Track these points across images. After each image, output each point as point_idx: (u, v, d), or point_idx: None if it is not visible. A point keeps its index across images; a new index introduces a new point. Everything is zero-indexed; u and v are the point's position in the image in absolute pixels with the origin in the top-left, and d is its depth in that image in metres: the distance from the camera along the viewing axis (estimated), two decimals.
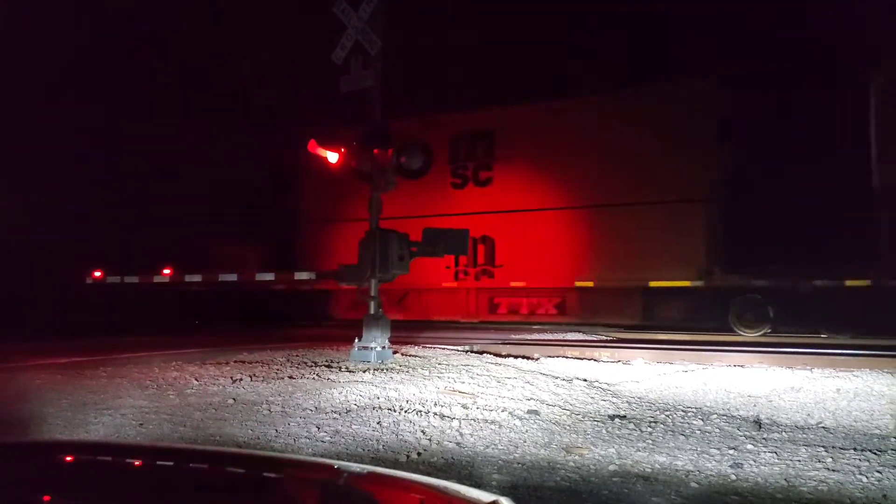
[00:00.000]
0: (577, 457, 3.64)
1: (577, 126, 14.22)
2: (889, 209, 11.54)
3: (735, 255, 12.68)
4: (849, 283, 11.48)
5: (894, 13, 13.04)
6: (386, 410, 4.54)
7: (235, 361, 7.11)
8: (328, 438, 4.00)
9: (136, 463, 1.73)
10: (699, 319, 12.73)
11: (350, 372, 6.08)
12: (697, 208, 12.79)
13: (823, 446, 3.83)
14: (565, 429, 4.25)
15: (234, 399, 5.09)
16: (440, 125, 15.34)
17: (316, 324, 15.32)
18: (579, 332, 12.79)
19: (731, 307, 12.55)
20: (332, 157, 7.31)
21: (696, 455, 3.66)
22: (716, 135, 12.84)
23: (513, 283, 14.37)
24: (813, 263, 11.73)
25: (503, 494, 1.29)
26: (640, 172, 13.47)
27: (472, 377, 5.70)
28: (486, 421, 4.31)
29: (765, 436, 4.11)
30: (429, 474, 3.08)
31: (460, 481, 1.51)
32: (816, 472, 3.34)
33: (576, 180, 14.08)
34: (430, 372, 6.00)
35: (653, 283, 13.00)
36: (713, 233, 12.80)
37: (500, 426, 4.21)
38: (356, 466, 1.91)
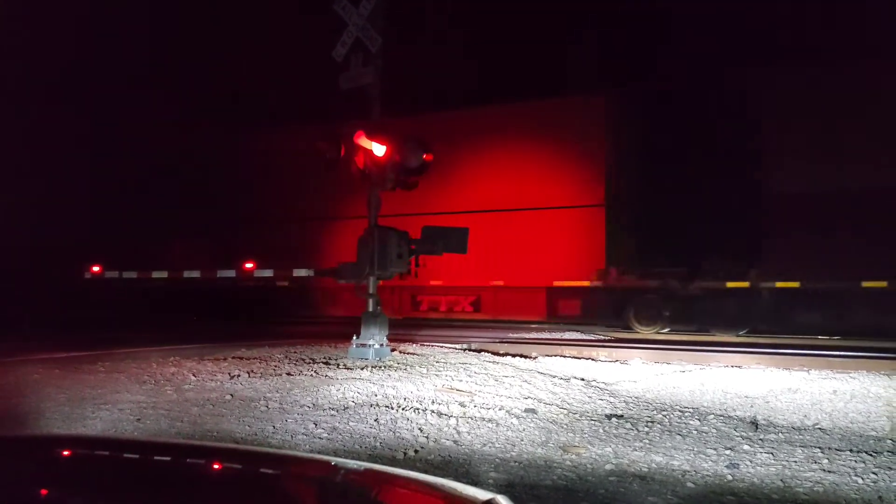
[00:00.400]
0: (573, 456, 3.65)
1: (489, 133, 14.82)
2: (769, 214, 12.37)
3: (631, 257, 13.62)
4: (730, 284, 12.31)
5: (782, 24, 13.99)
6: (383, 408, 4.54)
7: (233, 357, 7.11)
8: (326, 435, 4.01)
9: (134, 458, 1.73)
10: (599, 317, 13.57)
11: (348, 369, 6.08)
12: (597, 213, 13.63)
13: (820, 447, 3.84)
14: (562, 428, 4.26)
15: (231, 395, 5.09)
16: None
17: (314, 320, 15.34)
18: (578, 331, 12.83)
19: (628, 306, 13.23)
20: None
21: (692, 455, 3.66)
22: (608, 144, 13.78)
23: (432, 282, 14.90)
24: (700, 266, 12.64)
25: (500, 492, 1.29)
26: (545, 179, 14.29)
27: (469, 375, 5.70)
28: (484, 419, 4.32)
29: (761, 436, 4.12)
30: (426, 472, 3.08)
31: (457, 479, 1.52)
32: (812, 474, 3.35)
33: (489, 185, 14.74)
34: (427, 370, 6.01)
35: (556, 283, 13.85)
36: (612, 236, 13.64)
37: (498, 424, 4.22)
38: (353, 463, 1.91)
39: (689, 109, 13.20)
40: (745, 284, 12.23)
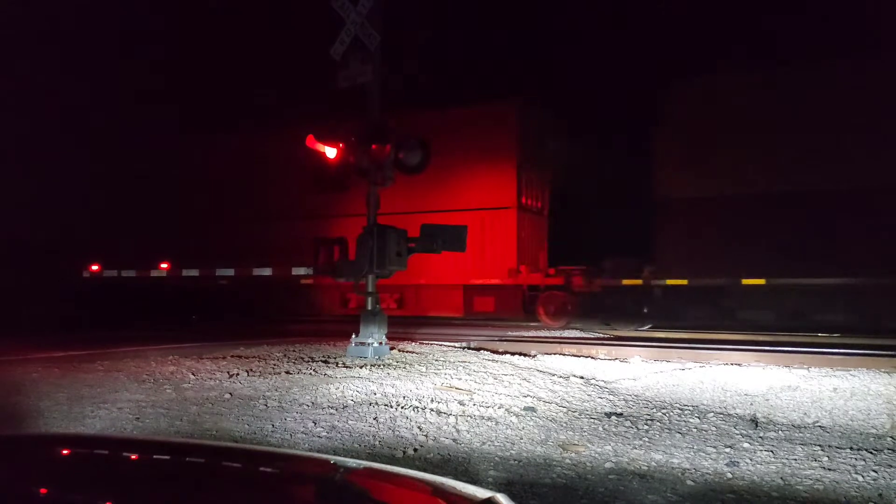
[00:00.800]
0: (573, 454, 3.64)
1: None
2: (662, 217, 13.66)
3: (541, 256, 15.02)
4: (625, 282, 13.53)
5: (683, 42, 16.15)
6: (383, 406, 4.54)
7: (232, 356, 7.10)
8: (325, 434, 4.00)
9: (133, 457, 1.73)
10: (511, 312, 14.61)
11: (347, 367, 6.08)
12: (510, 215, 14.58)
13: (820, 445, 3.83)
14: (562, 426, 4.25)
15: (230, 394, 5.08)
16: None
17: (312, 319, 15.42)
18: (577, 329, 12.86)
19: (536, 301, 14.31)
20: (331, 152, 7.21)
21: (692, 453, 3.66)
22: (520, 150, 14.75)
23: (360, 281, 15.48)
24: (600, 265, 14.00)
25: (499, 491, 1.29)
26: (464, 182, 15.00)
27: (468, 374, 5.70)
28: (483, 418, 4.32)
29: (761, 434, 4.11)
30: (425, 470, 3.08)
31: (457, 477, 1.51)
32: (812, 471, 3.35)
33: (412, 188, 15.05)
34: (426, 368, 6.00)
35: (472, 281, 14.84)
36: (521, 237, 14.72)
37: (497, 423, 4.21)
38: (353, 462, 1.91)
39: (592, 118, 15.19)
40: (639, 282, 13.42)
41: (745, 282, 12.57)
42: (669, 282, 13.18)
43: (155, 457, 1.72)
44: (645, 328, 13.19)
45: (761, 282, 12.49)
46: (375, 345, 6.75)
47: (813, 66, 12.88)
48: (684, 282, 13.04)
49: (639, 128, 14.41)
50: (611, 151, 14.75)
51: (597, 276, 13.83)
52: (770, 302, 12.75)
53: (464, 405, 4.61)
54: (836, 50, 13.69)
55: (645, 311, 13.58)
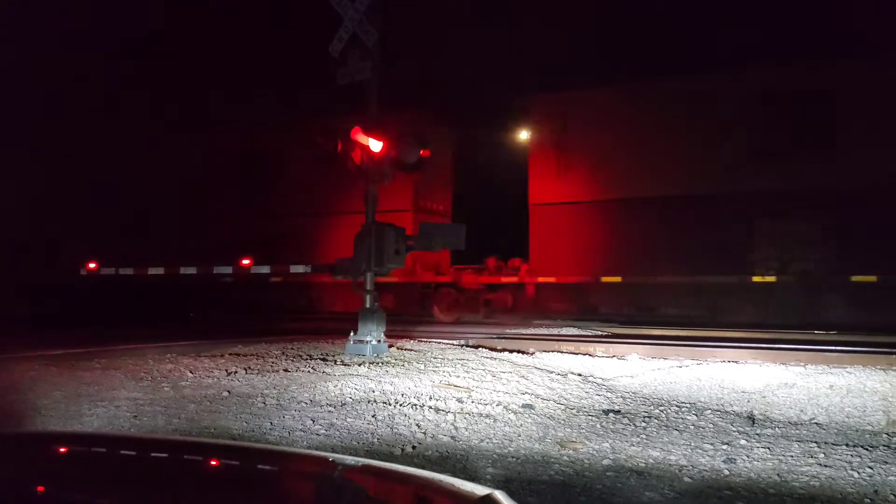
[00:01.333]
0: (571, 451, 3.65)
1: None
2: (534, 221, 15.19)
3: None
4: (503, 279, 15.17)
5: (546, 68, 17.42)
6: (381, 404, 4.54)
7: (230, 354, 7.10)
8: (323, 431, 4.01)
9: (131, 455, 1.73)
10: (408, 308, 15.67)
11: (345, 365, 6.08)
12: (407, 217, 15.43)
13: (816, 442, 3.85)
14: (560, 423, 4.26)
15: (228, 391, 5.08)
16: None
17: (311, 316, 15.47)
18: (574, 327, 12.88)
19: (430, 298, 15.54)
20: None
21: (689, 450, 3.67)
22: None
23: (273, 280, 16.61)
24: (485, 263, 15.38)
25: (497, 488, 1.29)
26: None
27: (467, 371, 5.71)
28: (481, 415, 4.32)
29: (758, 431, 4.13)
30: (423, 468, 3.09)
31: (455, 475, 1.52)
32: (809, 468, 3.36)
33: (318, 191, 16.28)
34: (425, 366, 6.01)
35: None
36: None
37: (495, 420, 4.22)
38: (351, 459, 1.91)
39: (480, 129, 16.28)
40: (516, 279, 14.93)
41: (604, 279, 14.16)
42: (541, 279, 14.69)
43: (153, 455, 1.73)
44: (537, 322, 13.93)
45: (618, 279, 14.10)
46: (374, 342, 6.75)
47: (655, 83, 14.40)
48: (552, 279, 14.60)
49: (514, 138, 16.33)
50: (502, 160, 16.39)
51: (481, 274, 15.20)
52: (627, 298, 14.32)
53: (462, 402, 4.62)
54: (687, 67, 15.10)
55: (520, 304, 15.13)
